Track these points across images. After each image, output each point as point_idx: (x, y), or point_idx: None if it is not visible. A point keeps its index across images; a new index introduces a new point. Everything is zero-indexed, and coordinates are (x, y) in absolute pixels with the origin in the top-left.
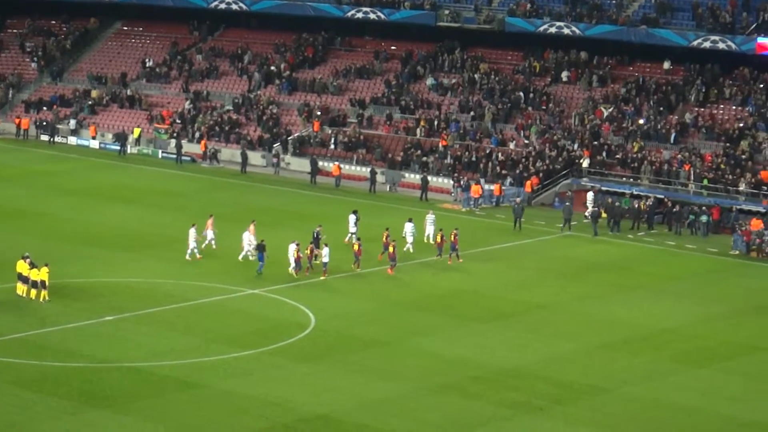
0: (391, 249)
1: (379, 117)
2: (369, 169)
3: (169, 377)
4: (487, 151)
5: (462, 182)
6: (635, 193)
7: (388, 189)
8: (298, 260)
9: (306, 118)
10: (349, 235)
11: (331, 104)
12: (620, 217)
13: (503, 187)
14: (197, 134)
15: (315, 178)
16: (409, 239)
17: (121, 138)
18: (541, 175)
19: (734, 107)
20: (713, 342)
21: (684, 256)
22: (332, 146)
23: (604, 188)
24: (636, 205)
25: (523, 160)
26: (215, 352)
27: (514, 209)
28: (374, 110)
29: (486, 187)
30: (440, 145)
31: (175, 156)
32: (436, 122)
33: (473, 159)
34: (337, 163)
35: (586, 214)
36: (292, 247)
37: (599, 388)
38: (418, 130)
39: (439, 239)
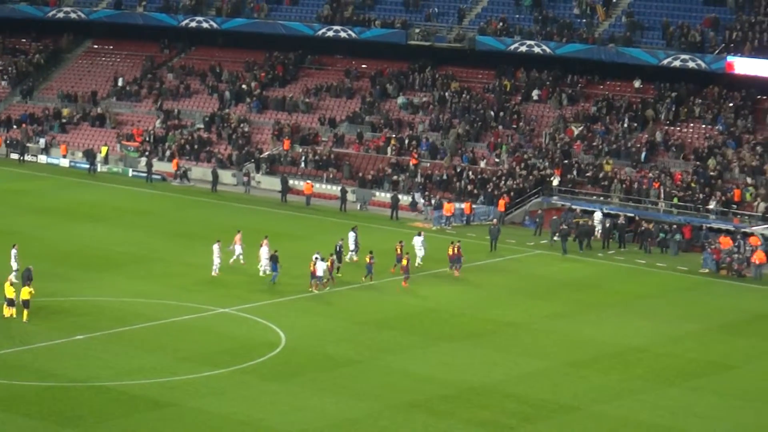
0: (404, 262)
1: (350, 135)
2: (340, 188)
3: (139, 396)
4: (458, 170)
5: (433, 201)
6: (606, 211)
7: (358, 207)
8: (313, 273)
9: (277, 136)
10: (350, 252)
11: (302, 123)
12: (589, 236)
13: (474, 206)
14: (168, 153)
15: (286, 197)
16: (420, 253)
17: (90, 156)
18: (511, 193)
19: (704, 126)
20: (683, 360)
21: (654, 274)
22: (303, 165)
23: (574, 207)
24: (608, 224)
25: (494, 178)
26: (186, 371)
27: (490, 230)
28: (345, 129)
29: (456, 205)
30: (410, 163)
31: (145, 174)
32: (406, 141)
33: (444, 177)
34: (308, 181)
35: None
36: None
37: (569, 407)
38: (388, 149)
39: (368, 260)
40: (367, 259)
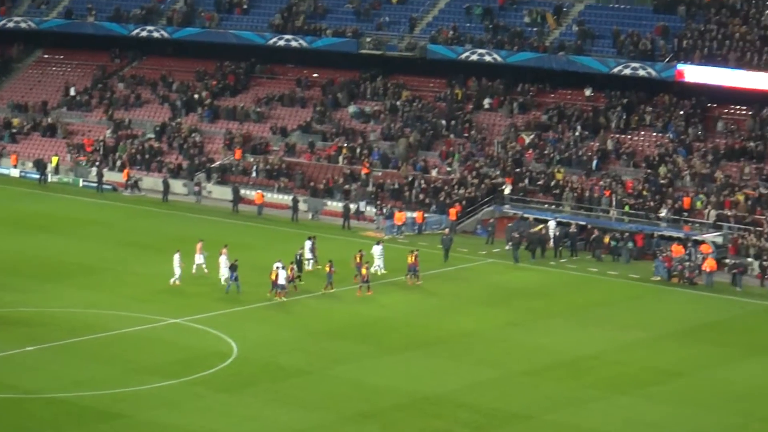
0: (364, 270)
1: (301, 145)
2: (291, 197)
3: (90, 408)
4: (410, 179)
5: (384, 210)
6: (558, 219)
7: (310, 217)
8: (274, 281)
9: (228, 146)
10: (309, 261)
11: (253, 132)
12: (543, 245)
13: (426, 215)
14: (119, 162)
15: (237, 207)
16: (379, 262)
17: (40, 166)
18: (463, 202)
19: (655, 134)
20: (635, 368)
21: (606, 282)
22: (254, 174)
23: (526, 215)
24: (559, 233)
25: (446, 187)
26: (137, 382)
27: (443, 240)
28: (296, 138)
29: (408, 214)
30: (362, 172)
31: (96, 185)
32: (358, 150)
33: (395, 187)
34: (259, 191)
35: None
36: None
37: (522, 416)
38: (340, 158)
39: (327, 269)
40: (327, 269)
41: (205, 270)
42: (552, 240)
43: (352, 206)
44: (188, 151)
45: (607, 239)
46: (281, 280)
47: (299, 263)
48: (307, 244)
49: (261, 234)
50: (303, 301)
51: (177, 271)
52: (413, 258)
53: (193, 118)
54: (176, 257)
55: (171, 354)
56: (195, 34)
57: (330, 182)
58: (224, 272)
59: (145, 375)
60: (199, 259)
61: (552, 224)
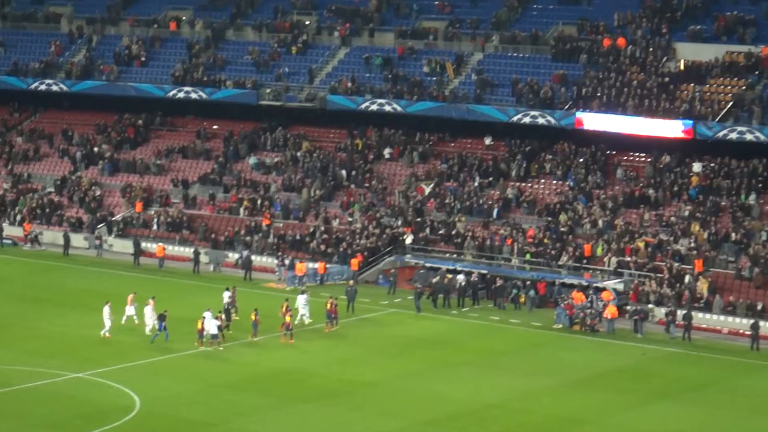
0: (287, 318)
1: (202, 197)
2: (192, 250)
3: None
4: (311, 230)
5: (286, 261)
6: (459, 268)
7: (212, 269)
8: (200, 331)
9: (128, 199)
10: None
11: (154, 184)
12: (445, 293)
13: (328, 265)
14: (18, 217)
15: (138, 260)
16: (303, 311)
17: None
18: (365, 252)
19: (555, 181)
20: (539, 416)
21: (508, 330)
22: (155, 227)
23: (427, 264)
24: (462, 282)
25: (347, 237)
26: None
27: (347, 291)
28: (197, 190)
29: (310, 265)
30: (263, 224)
31: None
32: (259, 201)
33: (297, 237)
34: (160, 243)
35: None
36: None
37: None
38: (241, 210)
39: (253, 317)
40: (252, 317)
41: (136, 321)
42: (457, 290)
43: (258, 258)
44: (88, 204)
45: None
46: (214, 329)
47: (227, 312)
48: (226, 294)
49: (163, 287)
50: (207, 353)
51: (107, 323)
52: (330, 305)
53: (93, 172)
54: (106, 309)
55: (73, 408)
56: (94, 87)
57: (231, 234)
58: (149, 323)
59: (46, 430)
60: (130, 310)
61: (461, 277)
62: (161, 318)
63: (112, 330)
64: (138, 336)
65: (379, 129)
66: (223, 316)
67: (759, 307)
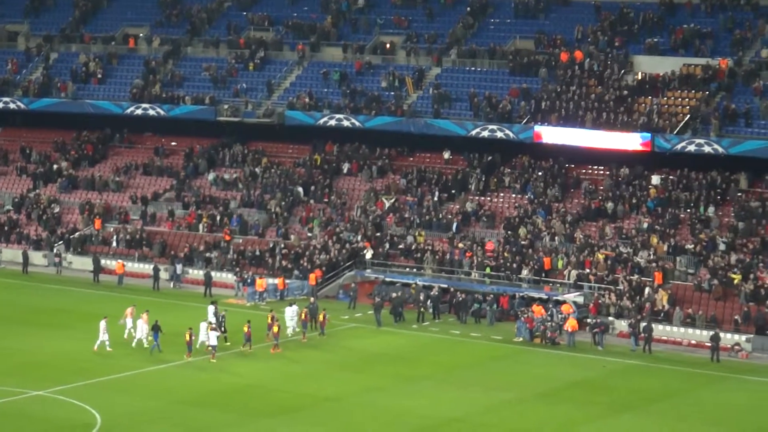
0: (275, 329)
1: (161, 213)
2: (152, 266)
3: None
4: (271, 245)
5: (246, 277)
6: (419, 283)
7: (171, 285)
8: (188, 343)
9: (87, 216)
10: (209, 323)
11: (113, 201)
12: (402, 308)
13: (287, 281)
14: None
15: (98, 277)
16: (291, 323)
17: None
18: (323, 267)
19: (514, 195)
20: (501, 430)
21: (469, 344)
22: (114, 244)
23: (387, 279)
24: (422, 296)
25: (307, 253)
26: None
27: (309, 308)
28: (156, 207)
29: (270, 281)
30: (223, 240)
31: None
32: (218, 217)
33: (257, 253)
34: (119, 260)
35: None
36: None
37: None
38: (200, 226)
39: (246, 329)
40: (245, 329)
41: (134, 334)
42: (419, 303)
43: (217, 274)
44: (47, 222)
45: (461, 295)
46: (213, 341)
47: (221, 324)
48: (210, 309)
49: (122, 304)
50: (167, 370)
51: (103, 336)
52: (305, 315)
53: (51, 189)
54: (102, 323)
55: (34, 427)
56: (52, 104)
57: (189, 250)
58: (138, 335)
59: None
60: (129, 323)
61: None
62: (155, 329)
63: (112, 344)
64: (102, 352)
65: (337, 144)
66: (218, 329)
67: (718, 319)
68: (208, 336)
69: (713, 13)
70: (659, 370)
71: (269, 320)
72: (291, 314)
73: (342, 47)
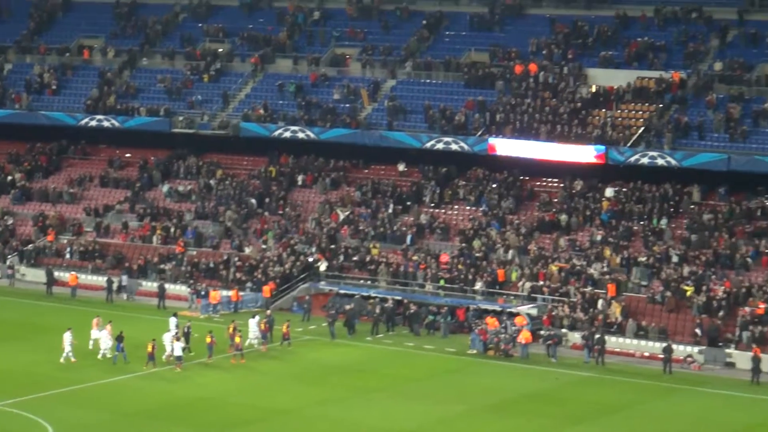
0: (237, 339)
1: (115, 225)
2: (106, 278)
3: None
4: (225, 257)
5: (199, 289)
6: (373, 295)
7: (125, 297)
8: (151, 354)
9: (41, 228)
10: (171, 335)
11: (67, 213)
12: (357, 320)
13: (242, 293)
14: None
15: (51, 289)
16: (253, 333)
17: None
18: (278, 280)
19: (468, 207)
20: None
21: (423, 356)
22: (68, 256)
23: (341, 291)
24: (377, 309)
25: (261, 265)
26: None
27: (267, 320)
28: (110, 218)
29: (224, 293)
30: (177, 252)
31: None
32: (172, 229)
33: (211, 265)
34: (73, 272)
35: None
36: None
37: None
38: (154, 238)
39: (209, 340)
40: (208, 339)
41: (101, 345)
42: (374, 315)
43: (171, 286)
44: (1, 233)
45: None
46: (178, 351)
47: (187, 336)
48: (173, 320)
49: (75, 316)
50: (123, 382)
51: (67, 347)
52: (286, 327)
53: (4, 201)
54: (67, 335)
55: None
56: (6, 115)
57: (143, 262)
58: (103, 346)
59: None
60: (95, 334)
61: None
62: (119, 339)
63: (75, 354)
64: (55, 364)
65: (292, 155)
66: (183, 339)
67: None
68: (173, 347)
69: (666, 27)
70: (612, 382)
71: (230, 331)
72: (253, 326)
73: (294, 59)
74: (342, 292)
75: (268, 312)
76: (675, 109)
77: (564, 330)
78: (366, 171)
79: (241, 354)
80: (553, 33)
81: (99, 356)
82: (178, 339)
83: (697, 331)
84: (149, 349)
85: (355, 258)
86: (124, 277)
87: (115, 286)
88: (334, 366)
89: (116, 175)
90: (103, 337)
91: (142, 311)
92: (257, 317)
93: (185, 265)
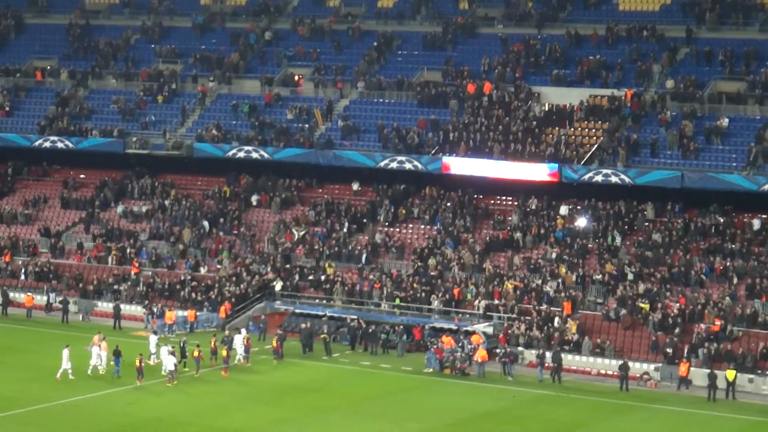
0: (223, 353)
1: (70, 246)
2: (61, 299)
3: None
4: (181, 278)
5: (155, 309)
6: (329, 314)
7: (80, 318)
8: (139, 369)
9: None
10: (151, 354)
11: (21, 234)
12: (312, 339)
13: (198, 313)
14: None
15: (6, 310)
16: (240, 349)
17: None
18: (233, 300)
19: (423, 226)
20: None
21: (379, 375)
22: (23, 277)
23: (297, 310)
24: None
25: (217, 285)
26: None
27: (224, 340)
28: (65, 239)
29: (179, 313)
30: (132, 272)
31: None
32: (128, 250)
33: (166, 285)
34: (28, 293)
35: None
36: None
37: None
38: (109, 259)
39: (196, 353)
40: (195, 353)
41: (100, 363)
42: (331, 334)
43: (126, 307)
44: None
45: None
46: (170, 366)
47: (182, 350)
48: (153, 338)
49: (31, 337)
50: (80, 402)
51: (66, 364)
52: (246, 341)
53: None
54: (65, 352)
55: None
56: None
57: (97, 282)
58: (94, 362)
59: None
60: (95, 350)
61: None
62: (117, 354)
63: (74, 372)
64: (9, 384)
65: (246, 176)
66: (178, 354)
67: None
68: (167, 360)
69: (618, 45)
70: (569, 400)
71: (212, 344)
72: (239, 342)
73: (250, 80)
74: (298, 311)
75: (227, 333)
76: (628, 127)
77: (520, 348)
78: (320, 190)
79: (227, 367)
80: (505, 51)
81: (89, 371)
82: (172, 353)
83: (668, 350)
84: (137, 364)
85: (310, 277)
86: (52, 295)
87: (45, 302)
88: (290, 385)
89: (71, 196)
90: (94, 353)
91: (96, 332)
92: (243, 332)
93: (141, 286)
